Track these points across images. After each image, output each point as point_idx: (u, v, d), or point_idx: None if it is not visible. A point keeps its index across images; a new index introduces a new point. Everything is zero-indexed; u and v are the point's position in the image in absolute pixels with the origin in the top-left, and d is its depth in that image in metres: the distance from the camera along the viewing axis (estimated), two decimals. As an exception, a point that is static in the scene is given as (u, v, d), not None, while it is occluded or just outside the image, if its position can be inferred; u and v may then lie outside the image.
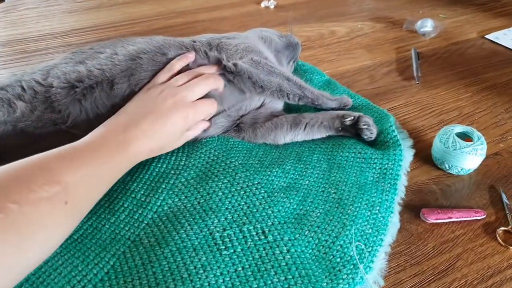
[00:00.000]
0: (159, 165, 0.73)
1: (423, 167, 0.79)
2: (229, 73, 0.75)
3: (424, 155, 0.81)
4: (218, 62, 0.76)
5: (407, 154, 0.77)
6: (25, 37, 1.31)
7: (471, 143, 0.74)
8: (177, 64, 0.73)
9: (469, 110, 0.95)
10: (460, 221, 0.67)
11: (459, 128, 0.78)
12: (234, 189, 0.67)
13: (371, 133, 0.76)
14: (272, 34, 0.97)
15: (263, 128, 0.79)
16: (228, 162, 0.73)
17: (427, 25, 1.30)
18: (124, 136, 0.61)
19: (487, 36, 1.29)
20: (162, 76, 0.71)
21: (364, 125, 0.76)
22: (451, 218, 0.67)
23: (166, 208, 0.65)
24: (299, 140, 0.80)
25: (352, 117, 0.78)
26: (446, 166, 0.76)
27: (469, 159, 0.73)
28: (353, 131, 0.78)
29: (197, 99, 0.71)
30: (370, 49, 1.22)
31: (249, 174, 0.70)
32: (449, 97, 0.99)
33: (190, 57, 0.75)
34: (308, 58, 1.16)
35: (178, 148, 0.76)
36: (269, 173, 0.70)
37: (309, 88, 0.81)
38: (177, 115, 0.66)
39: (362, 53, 1.20)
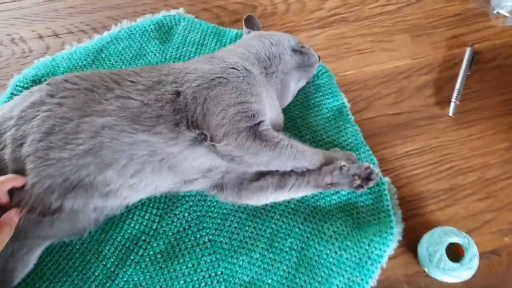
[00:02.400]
0: (132, 226, 0.73)
1: (405, 256, 0.74)
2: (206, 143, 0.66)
3: (411, 239, 0.75)
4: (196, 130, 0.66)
5: (391, 241, 0.72)
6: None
7: (459, 264, 0.68)
8: None
9: (495, 173, 0.81)
10: None
11: (455, 237, 0.70)
12: (196, 278, 0.68)
13: (373, 179, 0.71)
14: (285, 46, 0.79)
15: (248, 190, 0.73)
16: (198, 236, 0.72)
17: (508, 4, 0.98)
18: None
19: None
20: None
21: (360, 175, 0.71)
22: None
23: (131, 286, 0.69)
24: (281, 200, 0.75)
25: (346, 163, 0.72)
26: (426, 270, 0.72)
27: (452, 279, 0.68)
28: (347, 183, 0.71)
29: None
30: (415, 36, 0.98)
31: (214, 259, 0.70)
32: (478, 146, 0.84)
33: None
34: (334, 40, 0.95)
35: (154, 204, 0.74)
36: (234, 261, 0.70)
37: (307, 157, 0.71)
38: None
39: (402, 43, 0.97)
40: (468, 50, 0.93)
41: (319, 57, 0.83)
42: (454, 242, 0.70)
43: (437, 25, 0.99)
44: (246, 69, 0.72)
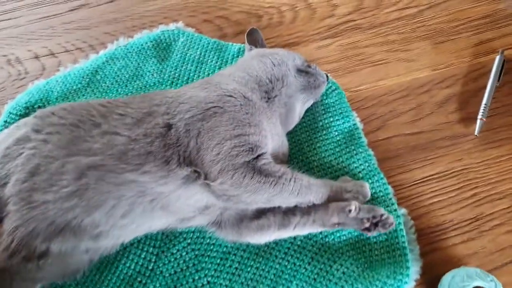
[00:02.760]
0: (127, 265, 0.68)
1: (423, 296, 0.67)
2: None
3: (431, 277, 0.68)
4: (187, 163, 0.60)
5: (407, 284, 0.65)
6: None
7: (484, 313, 0.60)
8: None
9: (527, 201, 0.73)
10: None
11: (480, 281, 0.62)
12: (193, 327, 0.64)
13: (386, 228, 0.65)
14: (288, 67, 0.72)
15: (248, 228, 0.68)
16: (197, 277, 0.67)
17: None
18: None
19: None
20: None
21: (374, 219, 0.65)
22: None
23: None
24: (285, 237, 0.69)
25: (356, 208, 0.66)
26: (447, 316, 0.64)
27: (474, 328, 0.61)
28: (355, 225, 0.66)
29: None
30: (437, 43, 0.88)
31: (213, 305, 0.65)
32: (508, 170, 0.75)
33: None
34: (346, 50, 0.88)
35: (150, 242, 0.70)
36: (235, 307, 0.65)
37: (312, 192, 0.65)
38: None
39: (422, 52, 0.87)
40: (497, 58, 0.84)
41: (327, 76, 0.76)
42: (478, 286, 0.62)
43: (462, 30, 0.89)
44: (245, 97, 0.65)
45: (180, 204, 0.62)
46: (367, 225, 0.64)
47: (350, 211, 0.64)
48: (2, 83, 0.90)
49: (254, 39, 0.81)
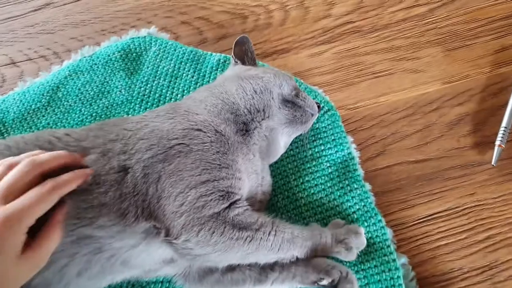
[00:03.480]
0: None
1: None
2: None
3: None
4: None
5: None
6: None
7: None
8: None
9: (549, 246, 0.62)
10: None
11: None
12: None
13: None
14: (273, 96, 0.60)
15: (221, 283, 0.59)
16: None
17: None
18: None
19: None
20: None
21: None
22: None
23: None
24: None
25: (331, 280, 0.56)
26: None
27: None
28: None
29: None
30: (451, 50, 0.75)
31: None
32: (529, 206, 0.64)
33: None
34: (343, 59, 0.75)
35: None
36: None
37: (296, 246, 0.56)
38: None
39: (432, 60, 0.74)
40: (521, 69, 0.70)
41: (319, 106, 0.64)
42: None
43: (480, 33, 0.75)
44: (216, 131, 0.55)
45: (142, 259, 0.53)
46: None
47: (321, 279, 0.55)
48: (-43, 99, 0.80)
49: (242, 51, 0.68)
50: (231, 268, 0.58)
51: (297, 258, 0.56)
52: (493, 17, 0.76)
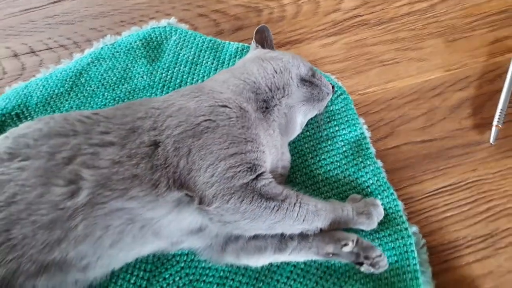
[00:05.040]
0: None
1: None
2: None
3: (444, 300, 0.62)
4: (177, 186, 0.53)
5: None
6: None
7: None
8: None
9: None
10: None
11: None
12: None
13: (377, 269, 0.59)
14: (291, 75, 0.64)
15: (245, 250, 0.61)
16: (191, 307, 0.61)
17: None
18: None
19: None
20: None
21: (366, 259, 0.59)
22: None
23: None
24: (280, 261, 0.63)
25: (353, 245, 0.59)
26: None
27: None
28: (349, 258, 0.60)
29: None
30: (450, 41, 0.80)
31: None
32: (525, 181, 0.69)
33: None
34: (353, 49, 0.80)
35: (140, 265, 0.63)
36: None
37: (320, 217, 0.58)
38: None
39: (434, 50, 0.79)
40: (514, 58, 0.76)
41: (333, 86, 0.68)
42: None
43: (476, 26, 0.81)
44: (240, 108, 0.58)
45: (172, 228, 0.56)
46: (360, 260, 0.59)
47: (345, 245, 0.58)
48: (-23, 86, 0.81)
49: (262, 38, 0.72)
50: (254, 236, 0.61)
51: (320, 230, 0.60)
52: (487, 12, 0.82)
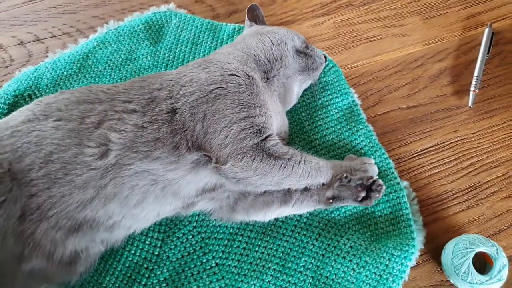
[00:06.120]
0: (133, 252, 0.65)
1: (428, 265, 0.67)
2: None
3: (434, 246, 0.67)
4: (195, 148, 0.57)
5: (413, 254, 0.64)
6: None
7: (487, 277, 0.60)
8: None
9: (521, 167, 0.73)
10: None
11: (482, 247, 0.62)
12: (204, 307, 0.62)
13: (377, 193, 0.63)
14: (287, 47, 0.69)
15: (254, 206, 0.65)
16: (204, 260, 0.64)
17: (526, -26, 0.86)
18: None
19: None
20: None
21: (361, 188, 0.63)
22: None
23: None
24: (285, 215, 0.67)
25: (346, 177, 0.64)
26: (452, 282, 0.64)
27: (479, 292, 0.61)
28: (350, 197, 0.64)
29: None
30: (428, 18, 0.86)
31: (223, 285, 0.63)
32: (502, 138, 0.75)
33: None
34: (340, 27, 0.85)
35: (155, 227, 0.67)
36: (245, 286, 0.62)
37: (322, 173, 0.63)
38: None
39: (414, 27, 0.85)
40: (486, 31, 0.82)
41: (325, 57, 0.73)
42: (481, 250, 0.62)
43: (451, 4, 0.87)
44: (248, 75, 0.62)
45: (189, 189, 0.60)
46: (362, 194, 0.63)
47: (342, 177, 0.63)
48: (-13, 72, 0.83)
49: (254, 16, 0.77)
50: (262, 193, 0.65)
51: (322, 185, 0.64)
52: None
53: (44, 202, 0.52)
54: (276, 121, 0.65)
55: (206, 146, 0.57)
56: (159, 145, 0.55)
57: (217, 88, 0.59)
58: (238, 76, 0.61)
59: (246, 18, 0.76)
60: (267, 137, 0.59)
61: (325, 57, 0.73)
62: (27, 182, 0.52)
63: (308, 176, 0.61)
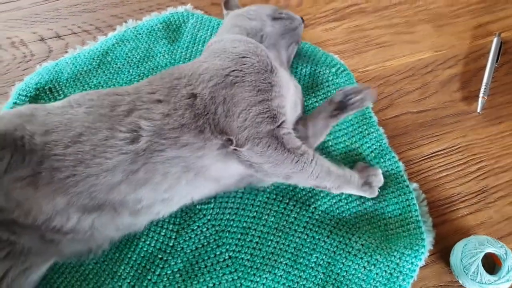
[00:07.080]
0: (148, 243, 0.66)
1: (436, 265, 0.67)
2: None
3: (443, 247, 0.68)
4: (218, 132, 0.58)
5: (423, 254, 0.65)
6: None
7: (496, 277, 0.61)
8: None
9: (529, 173, 0.73)
10: None
11: (491, 248, 0.62)
12: (217, 299, 0.62)
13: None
14: (263, 18, 0.73)
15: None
16: (218, 252, 0.65)
17: (534, -13, 0.88)
18: None
19: None
20: None
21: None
22: None
23: (149, 309, 0.62)
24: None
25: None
26: (461, 282, 0.64)
27: (488, 293, 0.61)
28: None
29: None
30: (438, 26, 0.87)
31: (236, 277, 0.63)
32: (509, 144, 0.76)
33: None
34: (352, 33, 0.86)
35: (170, 219, 0.67)
36: (257, 279, 0.63)
37: (331, 178, 0.63)
38: None
39: (424, 34, 0.87)
40: (494, 40, 0.84)
41: (302, 19, 0.76)
42: (490, 251, 0.62)
43: (460, 14, 0.89)
44: (257, 54, 0.63)
45: (222, 172, 0.61)
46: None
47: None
48: (7, 66, 0.85)
49: (231, 6, 0.81)
50: None
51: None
52: (469, 1, 0.90)
53: (67, 179, 0.53)
54: (290, 92, 0.66)
55: (226, 129, 0.57)
56: (185, 131, 0.56)
57: (233, 70, 0.60)
58: (249, 57, 0.62)
59: (223, 9, 0.81)
60: (281, 124, 0.60)
61: (302, 18, 0.76)
62: (49, 155, 0.53)
63: (317, 177, 0.61)
